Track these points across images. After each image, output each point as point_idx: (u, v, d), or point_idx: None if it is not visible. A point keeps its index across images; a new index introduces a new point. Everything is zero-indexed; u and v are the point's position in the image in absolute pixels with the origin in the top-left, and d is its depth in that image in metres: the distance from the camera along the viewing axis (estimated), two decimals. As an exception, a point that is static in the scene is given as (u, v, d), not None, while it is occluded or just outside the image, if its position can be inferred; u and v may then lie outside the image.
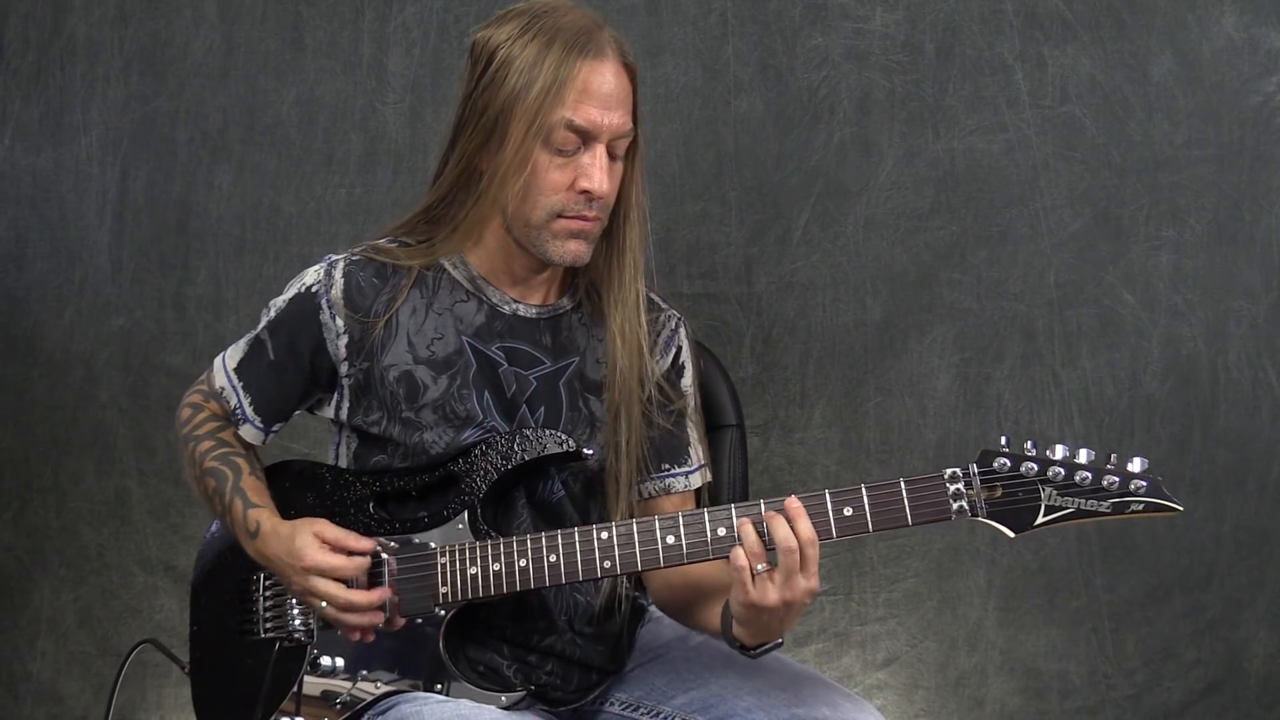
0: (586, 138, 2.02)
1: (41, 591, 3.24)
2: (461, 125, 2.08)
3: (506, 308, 2.15)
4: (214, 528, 2.29)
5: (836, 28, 3.05)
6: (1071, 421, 3.02)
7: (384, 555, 2.06)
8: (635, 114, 2.08)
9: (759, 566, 1.87)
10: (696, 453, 2.25)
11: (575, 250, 2.07)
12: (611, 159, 2.06)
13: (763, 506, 1.91)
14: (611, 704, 2.20)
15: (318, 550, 2.03)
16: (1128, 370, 3.02)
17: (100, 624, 3.23)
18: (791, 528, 1.87)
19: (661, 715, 2.15)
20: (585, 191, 2.03)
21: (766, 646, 1.97)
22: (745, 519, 1.90)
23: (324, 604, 2.03)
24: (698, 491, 2.27)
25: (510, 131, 2.01)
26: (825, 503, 1.90)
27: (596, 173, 2.02)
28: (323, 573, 2.03)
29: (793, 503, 1.88)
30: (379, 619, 2.04)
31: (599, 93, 2.01)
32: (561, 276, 2.20)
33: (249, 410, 2.17)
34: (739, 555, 1.88)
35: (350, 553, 2.05)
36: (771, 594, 1.87)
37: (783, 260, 3.07)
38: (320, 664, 2.09)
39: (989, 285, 3.04)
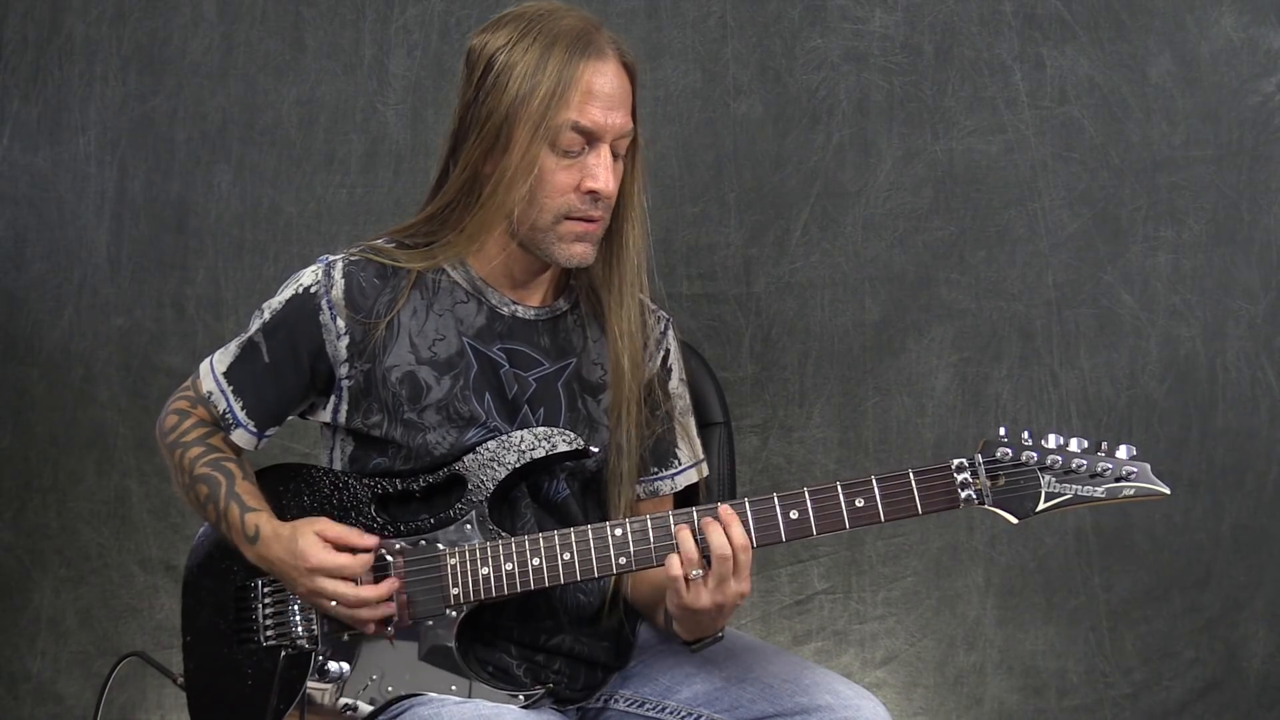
0: (591, 138, 2.03)
1: (41, 591, 3.24)
2: (462, 133, 2.08)
3: (506, 309, 2.14)
4: (201, 533, 2.25)
5: (835, 29, 3.05)
6: (1070, 421, 3.04)
7: (387, 556, 2.06)
8: (635, 113, 2.09)
9: (693, 573, 1.93)
10: (684, 453, 2.27)
11: (581, 252, 2.07)
12: (614, 158, 2.06)
13: (695, 514, 1.97)
14: (616, 701, 2.21)
15: (322, 550, 2.02)
16: (1126, 370, 3.03)
17: (100, 624, 3.23)
18: (726, 534, 1.93)
19: (667, 710, 2.15)
20: (591, 191, 2.03)
21: (705, 641, 2.05)
22: (683, 525, 1.96)
23: (333, 603, 2.02)
24: (694, 487, 2.29)
25: (515, 136, 2.01)
26: (838, 494, 1.95)
27: (602, 172, 2.03)
28: (329, 572, 2.01)
29: (725, 510, 1.95)
30: (390, 610, 2.04)
31: (602, 93, 2.02)
32: (557, 278, 2.21)
33: (241, 414, 2.14)
34: (674, 563, 1.94)
35: (354, 550, 2.04)
36: (704, 597, 1.94)
37: (781, 261, 3.08)
38: (328, 670, 2.06)
39: (987, 285, 3.05)
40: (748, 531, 1.95)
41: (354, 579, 2.03)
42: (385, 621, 2.06)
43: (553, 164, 2.03)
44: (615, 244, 2.14)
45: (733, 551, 1.92)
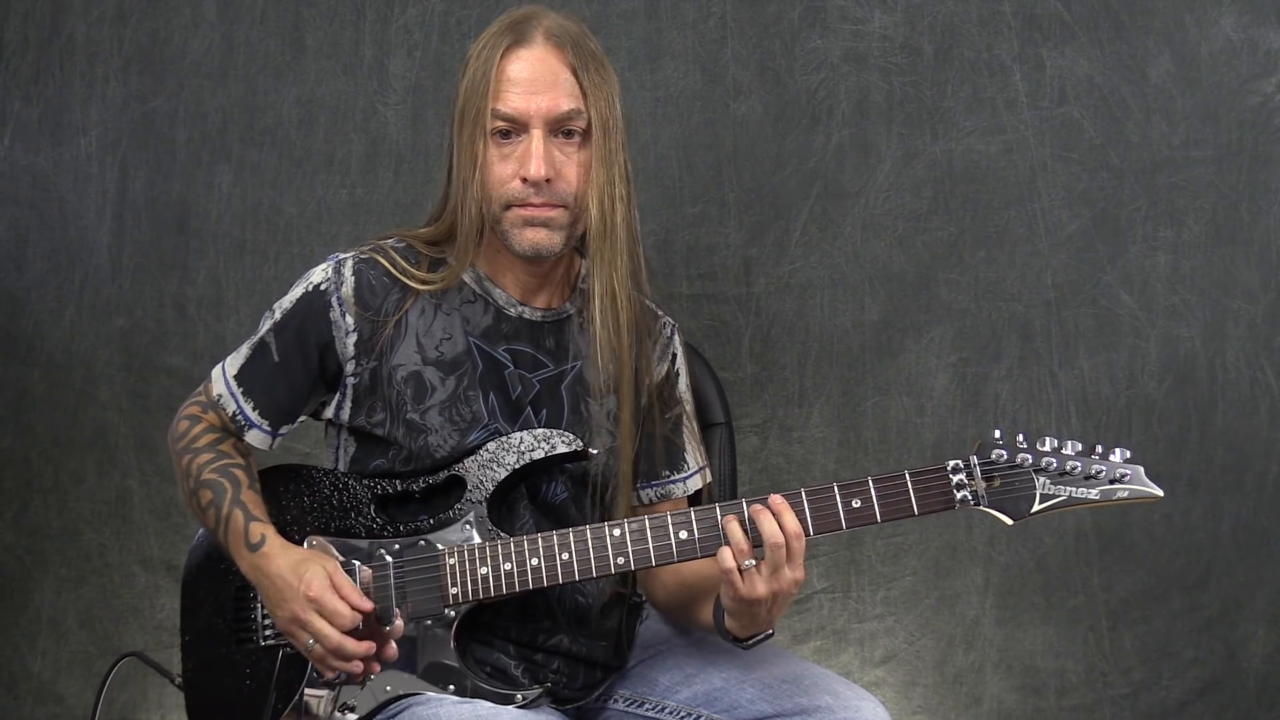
0: (517, 124, 2.05)
1: (42, 591, 3.24)
2: (449, 146, 2.13)
3: (512, 310, 2.15)
4: (200, 534, 2.25)
5: (835, 30, 3.05)
6: (1069, 421, 3.04)
7: (396, 621, 2.03)
8: (587, 97, 2.07)
9: (746, 563, 1.94)
10: (693, 457, 2.28)
11: (533, 239, 2.07)
12: (568, 140, 2.07)
13: (745, 504, 1.97)
14: (615, 700, 2.22)
15: (327, 586, 1.96)
16: (1125, 370, 3.03)
17: (101, 624, 3.22)
18: (778, 523, 1.93)
19: (666, 710, 2.16)
20: (525, 179, 2.04)
21: (759, 637, 2.05)
22: (731, 516, 1.96)
23: (310, 640, 1.97)
24: (698, 492, 2.30)
25: (462, 134, 2.07)
26: (834, 495, 1.96)
27: (533, 159, 2.04)
28: (323, 608, 1.95)
29: (776, 499, 1.95)
30: (357, 669, 1.98)
31: (520, 78, 2.04)
32: (563, 281, 2.21)
33: (253, 415, 2.15)
34: (726, 555, 1.94)
35: (352, 607, 1.98)
36: (760, 586, 1.94)
37: (781, 261, 3.08)
38: None
39: (987, 286, 3.06)
40: (755, 531, 1.95)
41: (339, 628, 1.97)
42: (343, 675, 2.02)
43: (494, 155, 2.06)
44: (592, 233, 2.11)
45: (785, 539, 1.93)
